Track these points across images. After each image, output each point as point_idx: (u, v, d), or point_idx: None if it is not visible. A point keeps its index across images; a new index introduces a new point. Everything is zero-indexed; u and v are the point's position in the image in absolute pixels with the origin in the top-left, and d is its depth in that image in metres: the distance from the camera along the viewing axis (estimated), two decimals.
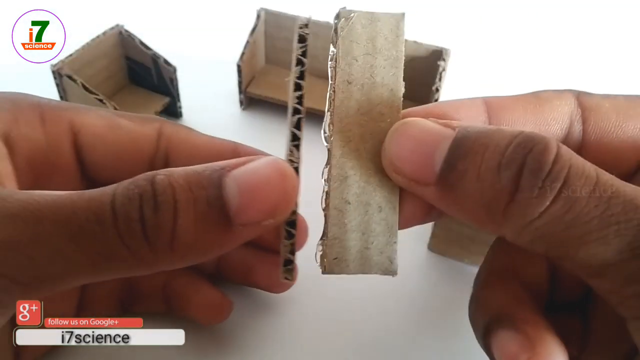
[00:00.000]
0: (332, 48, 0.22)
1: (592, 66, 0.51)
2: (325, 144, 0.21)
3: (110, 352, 0.28)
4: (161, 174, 0.19)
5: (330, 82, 0.22)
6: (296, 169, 0.21)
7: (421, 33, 0.41)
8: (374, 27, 0.22)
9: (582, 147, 0.23)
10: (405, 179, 0.20)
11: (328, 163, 0.21)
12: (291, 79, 0.22)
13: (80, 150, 0.25)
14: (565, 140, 0.22)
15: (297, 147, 0.21)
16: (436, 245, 0.34)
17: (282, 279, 0.21)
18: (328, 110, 0.22)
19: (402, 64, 0.22)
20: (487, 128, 0.19)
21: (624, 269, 0.17)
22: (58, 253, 0.17)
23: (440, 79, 0.38)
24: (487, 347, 0.21)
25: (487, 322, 0.21)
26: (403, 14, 0.22)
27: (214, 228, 0.19)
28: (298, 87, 0.21)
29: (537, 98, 0.22)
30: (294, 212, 0.21)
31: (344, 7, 0.22)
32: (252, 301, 0.31)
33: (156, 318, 0.29)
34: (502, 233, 0.19)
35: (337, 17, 0.22)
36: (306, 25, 0.22)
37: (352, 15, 0.22)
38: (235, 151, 0.27)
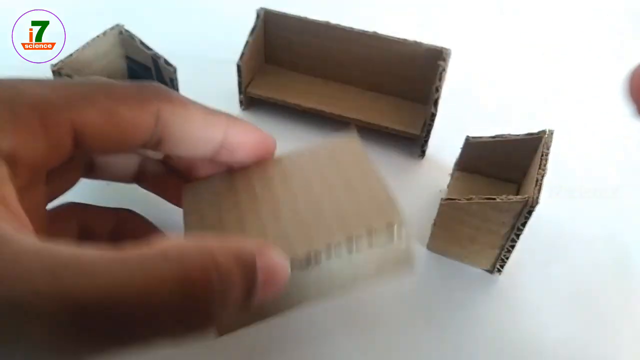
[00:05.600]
0: None
1: (592, 66, 0.51)
2: None
3: None
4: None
5: None
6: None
7: (421, 33, 0.41)
8: None
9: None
10: None
11: None
12: None
13: (80, 145, 0.25)
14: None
15: None
16: (436, 245, 0.34)
17: None
18: None
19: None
20: None
21: None
22: None
23: (440, 79, 0.38)
24: None
25: None
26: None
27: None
28: None
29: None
30: None
31: None
32: None
33: None
34: None
35: None
36: None
37: None
38: (225, 134, 0.27)
